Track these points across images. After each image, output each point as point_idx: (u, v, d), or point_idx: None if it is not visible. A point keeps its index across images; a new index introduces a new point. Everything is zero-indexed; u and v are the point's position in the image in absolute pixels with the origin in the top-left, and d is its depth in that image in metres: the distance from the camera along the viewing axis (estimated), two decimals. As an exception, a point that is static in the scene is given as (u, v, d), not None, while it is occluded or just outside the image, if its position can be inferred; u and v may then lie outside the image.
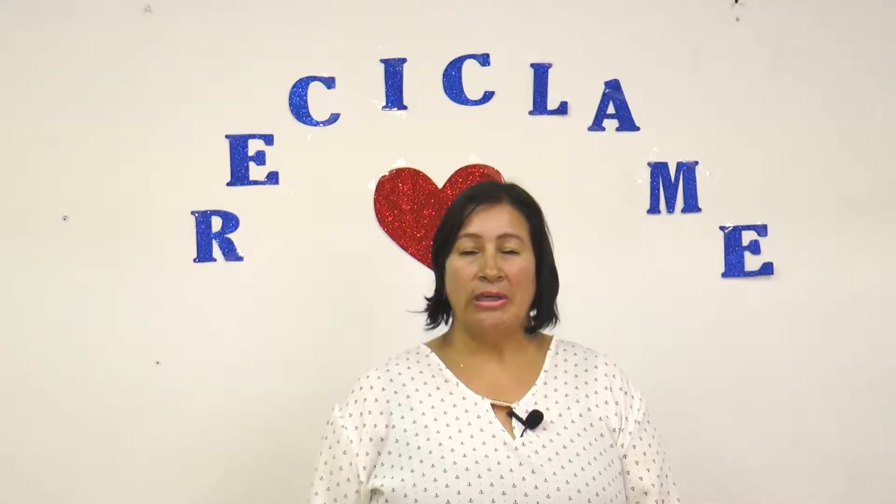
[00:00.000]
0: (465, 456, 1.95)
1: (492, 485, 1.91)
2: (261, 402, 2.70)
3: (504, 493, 1.91)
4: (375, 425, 2.05)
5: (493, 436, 1.99)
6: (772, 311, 2.84)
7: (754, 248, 2.84)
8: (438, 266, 2.17)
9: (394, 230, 2.77)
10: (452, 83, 2.79)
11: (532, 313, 2.17)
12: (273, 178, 2.74)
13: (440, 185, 2.78)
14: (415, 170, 2.78)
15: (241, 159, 2.74)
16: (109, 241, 2.70)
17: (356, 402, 2.10)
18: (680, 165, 2.83)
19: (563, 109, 2.80)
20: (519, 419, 2.02)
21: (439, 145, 2.79)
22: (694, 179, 2.83)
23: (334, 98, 2.77)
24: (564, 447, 1.99)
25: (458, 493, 1.90)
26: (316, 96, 2.76)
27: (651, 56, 2.83)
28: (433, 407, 2.05)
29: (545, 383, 2.10)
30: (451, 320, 2.20)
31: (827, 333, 2.85)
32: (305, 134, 2.76)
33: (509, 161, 2.77)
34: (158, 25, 2.73)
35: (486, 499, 1.90)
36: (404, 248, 2.77)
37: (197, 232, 2.73)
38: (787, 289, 2.84)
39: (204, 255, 2.73)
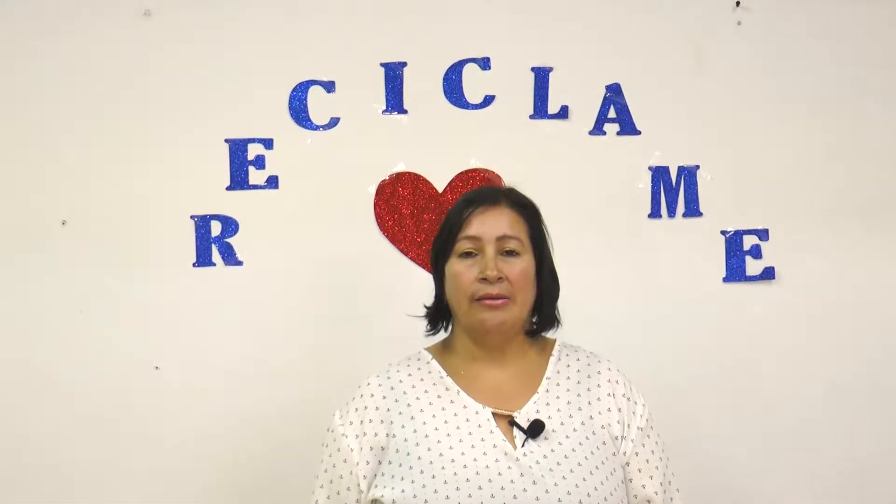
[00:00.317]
0: (465, 467, 1.94)
1: (493, 496, 1.90)
2: (260, 407, 2.70)
3: (505, 504, 1.91)
4: (376, 434, 2.04)
5: (494, 446, 1.98)
6: (773, 315, 2.83)
7: (756, 252, 2.83)
8: (438, 271, 2.16)
9: (394, 234, 2.76)
10: (453, 87, 2.78)
11: (533, 319, 2.16)
12: (273, 182, 2.74)
13: (440, 190, 2.77)
14: (415, 174, 2.77)
15: (241, 163, 2.73)
16: (108, 246, 2.70)
17: (357, 409, 2.09)
18: (681, 169, 2.82)
19: (563, 113, 2.80)
20: (520, 429, 2.00)
21: (440, 149, 2.78)
22: (695, 183, 2.82)
23: (334, 102, 2.76)
24: (566, 457, 1.98)
25: (459, 504, 1.91)
26: (316, 100, 2.75)
27: (652, 60, 2.82)
28: (434, 416, 2.03)
29: (547, 390, 2.09)
30: (450, 326, 2.19)
31: (829, 338, 2.84)
32: (305, 138, 2.75)
33: (510, 165, 2.75)
34: (157, 29, 2.73)
35: (487, 510, 1.90)
36: (404, 252, 2.76)
37: (196, 236, 2.72)
38: (788, 293, 2.83)
39: (203, 259, 2.72)
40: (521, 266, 2.07)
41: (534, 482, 1.92)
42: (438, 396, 2.07)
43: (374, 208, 2.76)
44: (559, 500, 1.91)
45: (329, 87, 2.76)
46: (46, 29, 2.71)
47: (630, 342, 2.72)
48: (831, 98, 2.86)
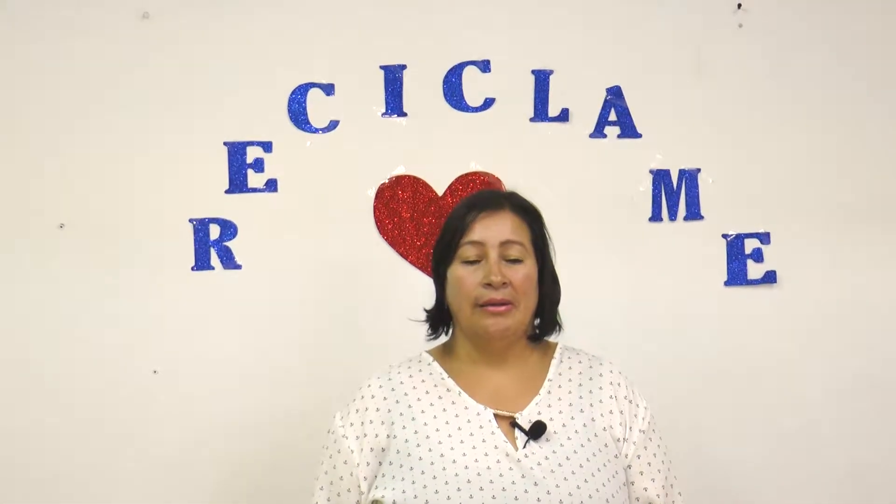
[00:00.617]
0: (466, 468, 1.93)
1: (493, 497, 1.89)
2: (259, 410, 2.69)
3: (505, 506, 1.90)
4: (377, 435, 2.03)
5: (496, 447, 1.97)
6: (775, 319, 2.83)
7: (757, 256, 2.82)
8: (439, 275, 2.15)
9: (393, 238, 2.75)
10: (453, 90, 2.77)
11: (535, 323, 2.16)
12: (272, 185, 2.73)
13: (440, 193, 2.76)
14: (415, 177, 2.77)
15: (240, 167, 2.72)
16: (106, 249, 2.69)
17: (357, 410, 2.08)
18: (682, 173, 2.81)
19: (564, 116, 2.79)
20: (522, 430, 1.99)
21: (439, 152, 2.77)
22: (696, 187, 2.81)
23: (333, 105, 2.75)
24: (567, 458, 1.97)
25: (460, 505, 1.90)
26: (315, 103, 2.75)
27: (653, 62, 2.82)
28: (435, 417, 2.02)
29: (549, 392, 2.08)
30: (451, 330, 2.18)
31: (830, 341, 2.84)
32: (304, 141, 2.75)
33: (510, 168, 2.76)
34: (156, 31, 2.72)
35: (488, 512, 1.89)
36: (404, 256, 2.75)
37: (195, 240, 2.71)
38: (790, 297, 2.83)
39: (202, 263, 2.71)
40: (524, 271, 2.06)
41: (535, 483, 1.91)
42: (440, 398, 2.06)
43: (374, 212, 2.75)
44: (561, 501, 1.90)
45: (328, 89, 2.75)
46: (44, 31, 2.70)
47: (631, 346, 2.72)
48: (833, 100, 2.86)
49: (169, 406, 2.67)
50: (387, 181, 2.76)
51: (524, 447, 1.97)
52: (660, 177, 2.81)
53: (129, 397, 2.67)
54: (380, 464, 2.01)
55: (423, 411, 2.04)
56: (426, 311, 2.20)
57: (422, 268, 2.72)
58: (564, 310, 2.18)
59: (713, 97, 2.83)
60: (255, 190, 2.73)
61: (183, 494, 2.67)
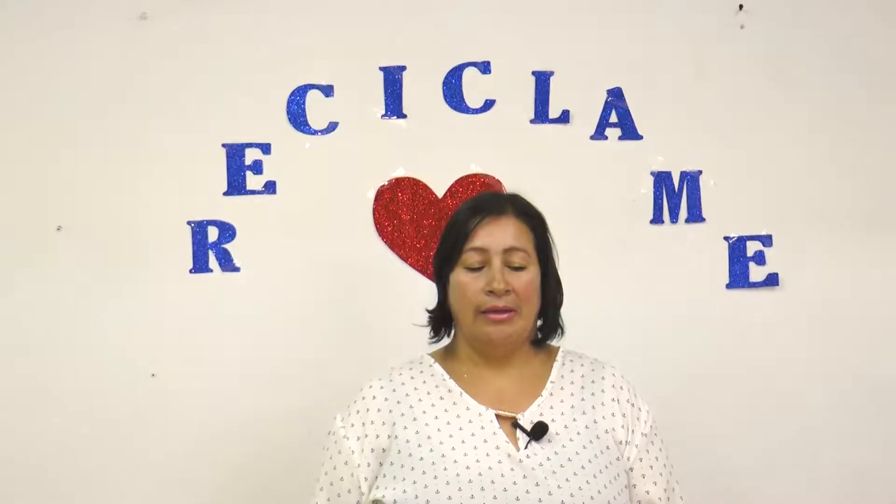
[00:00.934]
0: (467, 468, 1.93)
1: (495, 497, 1.88)
2: (258, 414, 2.67)
3: (507, 506, 1.89)
4: (378, 436, 2.02)
5: (497, 447, 1.96)
6: (777, 322, 2.82)
7: (759, 258, 2.81)
8: (441, 279, 2.14)
9: (393, 240, 2.73)
10: (453, 91, 2.76)
11: (538, 325, 2.15)
12: (270, 187, 2.72)
13: (440, 195, 2.75)
14: (414, 179, 2.75)
15: (238, 168, 2.71)
16: (104, 252, 2.67)
17: (358, 412, 2.07)
18: (683, 175, 2.81)
19: (565, 118, 2.78)
20: (524, 430, 1.99)
21: (439, 154, 2.76)
22: (698, 189, 2.81)
23: (333, 106, 2.74)
24: (569, 459, 1.96)
25: (460, 505, 1.89)
26: (314, 104, 2.73)
27: (654, 64, 2.81)
28: (436, 417, 2.02)
29: (551, 394, 2.08)
30: (453, 332, 2.18)
31: (832, 344, 2.83)
32: (303, 143, 2.73)
33: (510, 170, 2.74)
34: (154, 33, 2.71)
35: (489, 512, 1.89)
36: (404, 258, 2.74)
37: (193, 242, 2.70)
38: (792, 299, 2.83)
39: (200, 265, 2.70)
40: (527, 278, 2.06)
41: (536, 484, 1.91)
42: (441, 398, 2.06)
43: (373, 214, 2.74)
44: (562, 502, 1.89)
45: (328, 91, 2.74)
46: (41, 33, 2.68)
47: (632, 348, 2.70)
48: (835, 102, 2.86)
49: (167, 409, 2.66)
50: (386, 183, 2.75)
51: (526, 448, 1.97)
52: (661, 179, 2.80)
53: (127, 400, 2.65)
54: (380, 464, 2.00)
55: (424, 412, 2.03)
56: (428, 311, 2.19)
57: (421, 270, 2.71)
58: (566, 312, 2.18)
59: (715, 99, 2.82)
60: (253, 192, 2.71)
61: (182, 497, 2.65)
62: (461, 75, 2.76)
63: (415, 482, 1.93)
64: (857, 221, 2.85)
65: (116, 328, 2.67)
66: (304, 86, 2.73)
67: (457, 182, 2.76)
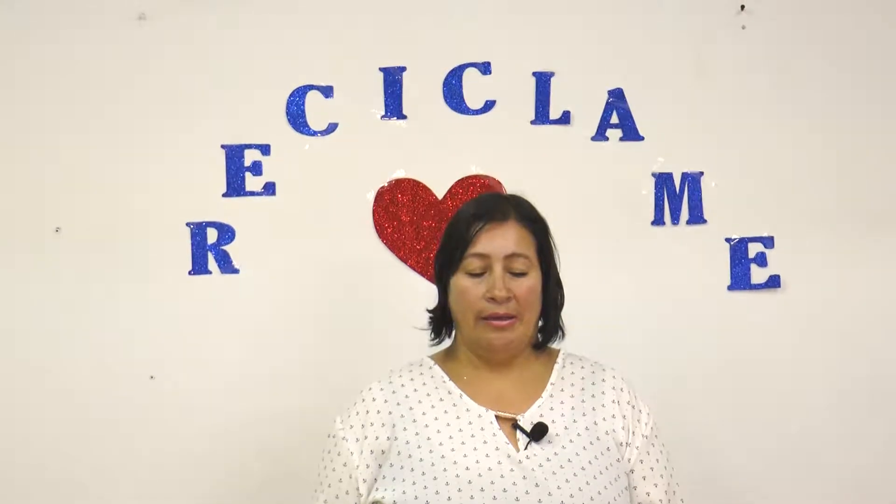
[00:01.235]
0: (467, 469, 1.92)
1: (494, 498, 1.88)
2: (257, 416, 2.66)
3: (507, 507, 1.89)
4: (377, 437, 2.02)
5: (497, 448, 1.96)
6: (778, 324, 2.80)
7: (761, 260, 2.80)
8: (442, 281, 2.14)
9: (393, 242, 2.72)
10: (453, 92, 2.75)
11: (539, 326, 2.15)
12: (270, 188, 2.71)
13: (440, 196, 2.74)
14: (414, 180, 2.74)
15: (238, 170, 2.70)
16: (103, 253, 2.66)
17: (358, 413, 2.07)
18: (685, 176, 2.79)
19: (565, 119, 2.77)
20: (524, 431, 1.99)
21: (439, 155, 2.75)
22: (699, 190, 2.79)
23: (332, 107, 2.73)
24: (569, 460, 1.96)
25: (460, 506, 1.89)
26: (314, 105, 2.72)
27: (655, 64, 2.80)
28: (436, 419, 2.02)
29: (551, 396, 2.08)
30: (454, 334, 2.17)
31: (834, 346, 2.82)
32: (303, 144, 2.72)
33: (511, 171, 2.73)
34: (153, 33, 2.69)
35: (489, 513, 1.88)
36: (403, 260, 2.73)
37: (192, 244, 2.69)
38: (793, 301, 2.81)
39: (199, 267, 2.69)
40: (529, 284, 2.06)
41: (536, 485, 1.91)
42: (441, 400, 2.06)
43: (373, 215, 2.73)
44: (562, 503, 1.89)
45: (327, 91, 2.73)
46: (39, 33, 2.67)
47: (633, 350, 2.69)
48: (836, 103, 2.84)
49: (166, 411, 2.65)
50: (386, 184, 2.74)
51: (526, 449, 1.96)
52: (662, 180, 2.79)
53: (126, 402, 2.64)
54: (379, 466, 2.00)
55: (424, 413, 2.03)
56: (429, 311, 2.19)
57: (421, 271, 2.70)
58: (566, 314, 2.17)
59: (716, 100, 2.80)
60: (252, 193, 2.70)
61: (182, 499, 2.64)
62: (461, 76, 2.75)
63: (415, 483, 1.92)
64: (859, 223, 2.83)
65: (115, 330, 2.66)
66: (304, 86, 2.72)
67: (457, 183, 2.75)
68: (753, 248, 2.80)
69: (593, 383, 2.12)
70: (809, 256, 2.81)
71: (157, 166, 2.68)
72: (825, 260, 2.82)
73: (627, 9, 2.79)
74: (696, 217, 2.79)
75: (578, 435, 2.01)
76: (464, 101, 2.75)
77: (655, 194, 2.79)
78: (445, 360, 2.15)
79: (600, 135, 2.78)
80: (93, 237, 2.66)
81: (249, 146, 2.70)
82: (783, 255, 2.80)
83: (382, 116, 2.74)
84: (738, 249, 2.80)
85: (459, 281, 2.07)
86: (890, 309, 2.83)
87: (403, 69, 2.74)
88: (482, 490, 1.89)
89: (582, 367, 2.15)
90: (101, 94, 2.67)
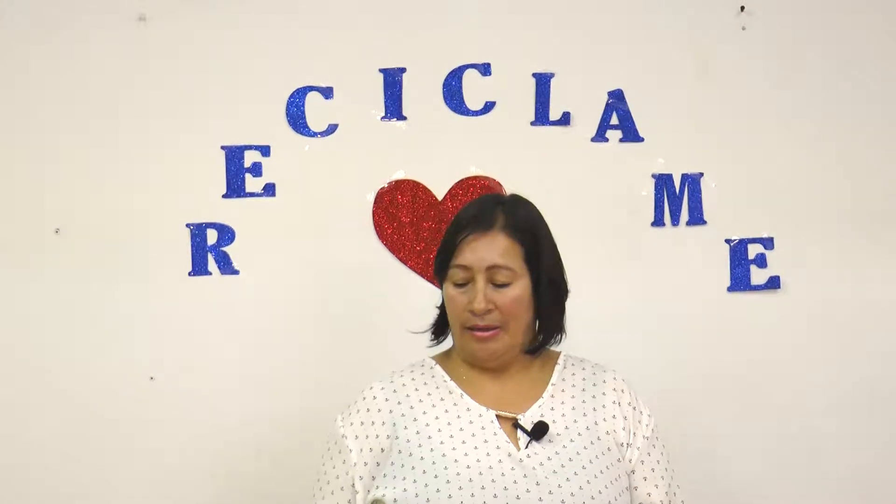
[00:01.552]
0: (468, 467, 1.92)
1: (495, 496, 1.88)
2: (258, 417, 2.66)
3: (507, 505, 1.89)
4: (377, 436, 2.02)
5: (498, 447, 1.96)
6: (778, 324, 2.80)
7: (761, 261, 2.80)
8: (441, 285, 2.14)
9: (393, 243, 2.72)
10: (453, 93, 2.75)
11: (538, 334, 2.14)
12: (270, 189, 2.70)
13: (440, 197, 2.74)
14: (414, 181, 2.74)
15: (238, 171, 2.70)
16: (102, 254, 2.66)
17: (359, 411, 2.08)
18: (685, 177, 2.79)
19: (565, 120, 2.77)
20: (524, 430, 1.99)
21: (439, 156, 2.75)
22: (699, 191, 2.79)
23: (332, 108, 2.73)
24: (570, 459, 1.96)
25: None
26: (314, 106, 2.72)
27: (655, 65, 2.80)
28: (437, 418, 2.02)
29: (552, 396, 2.08)
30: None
31: (835, 348, 2.82)
32: (303, 145, 2.72)
33: (510, 172, 2.73)
34: (153, 35, 2.69)
35: (489, 510, 1.89)
36: (403, 261, 2.73)
37: (192, 245, 2.68)
38: (793, 303, 2.81)
39: (199, 268, 2.68)
40: (513, 294, 2.04)
41: (537, 483, 1.90)
42: (442, 399, 2.06)
43: (373, 216, 2.73)
44: (563, 501, 1.89)
45: (327, 93, 2.73)
46: (40, 34, 2.67)
47: (633, 352, 2.70)
48: (836, 104, 2.84)
49: (166, 412, 2.64)
50: (386, 185, 2.73)
51: (526, 448, 1.97)
52: (662, 181, 2.79)
53: (125, 404, 2.64)
54: (377, 465, 2.00)
55: (425, 412, 2.03)
56: (437, 307, 2.18)
57: (421, 273, 2.70)
58: (566, 315, 2.16)
59: (716, 100, 2.80)
60: (252, 194, 2.70)
61: (181, 500, 2.64)
62: (461, 77, 2.75)
63: (415, 481, 1.92)
64: (859, 224, 2.83)
65: (115, 331, 2.65)
66: (304, 87, 2.72)
67: (457, 184, 2.75)
68: (753, 250, 2.80)
69: (594, 384, 2.12)
70: (809, 257, 2.81)
71: (157, 167, 2.67)
72: (825, 261, 2.81)
73: (627, 9, 2.79)
74: (696, 218, 2.79)
75: (579, 434, 2.01)
76: (464, 102, 2.75)
77: (655, 195, 2.79)
78: (446, 360, 2.15)
79: (600, 136, 2.78)
80: (93, 238, 2.66)
81: (249, 147, 2.70)
82: (783, 257, 2.80)
83: (382, 117, 2.74)
84: (738, 250, 2.80)
85: (448, 289, 2.08)
86: (890, 309, 2.83)
87: (403, 70, 2.74)
88: (483, 488, 1.89)
89: (583, 369, 2.15)
90: (101, 94, 2.67)
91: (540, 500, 1.88)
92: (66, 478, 2.63)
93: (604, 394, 2.10)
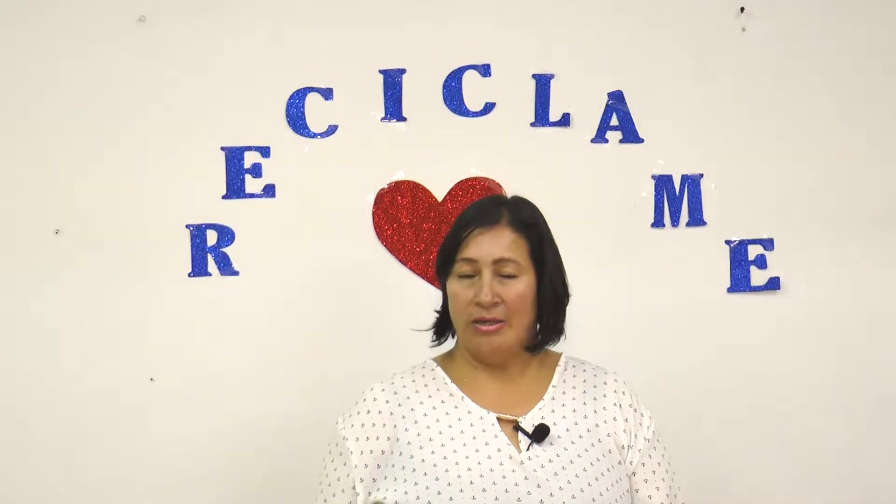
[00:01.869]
0: (469, 469, 1.93)
1: (496, 499, 1.88)
2: (257, 418, 2.66)
3: (509, 508, 1.89)
4: (378, 438, 2.02)
5: (499, 449, 1.96)
6: (778, 326, 2.80)
7: (760, 262, 2.80)
8: (442, 284, 2.15)
9: (393, 244, 2.72)
10: (453, 94, 2.75)
11: (538, 333, 2.14)
12: (270, 190, 2.70)
13: (440, 199, 2.74)
14: (414, 182, 2.74)
15: (237, 172, 2.70)
16: (102, 255, 2.66)
17: (359, 413, 2.08)
18: (685, 178, 2.79)
19: (565, 121, 2.76)
20: (525, 433, 1.99)
21: (439, 157, 2.75)
22: (699, 192, 2.79)
23: (332, 109, 2.72)
24: (571, 462, 1.97)
25: (462, 506, 1.89)
26: (314, 107, 2.72)
27: (655, 66, 2.79)
28: (438, 420, 2.02)
29: (553, 398, 2.08)
30: (455, 336, 2.18)
31: (834, 348, 2.81)
32: (303, 146, 2.72)
33: (511, 173, 2.73)
34: (153, 35, 2.69)
35: (491, 513, 1.89)
36: (403, 262, 2.73)
37: (192, 246, 2.68)
38: (793, 304, 2.80)
39: (199, 269, 2.68)
40: (518, 289, 2.05)
41: (538, 485, 1.91)
42: (442, 401, 2.06)
43: (373, 217, 2.72)
44: (564, 503, 1.89)
45: (327, 94, 2.72)
46: (40, 35, 2.67)
47: (632, 353, 2.69)
48: (837, 105, 2.83)
49: (166, 413, 2.64)
50: (386, 187, 2.73)
51: (528, 450, 1.97)
52: (662, 182, 2.79)
53: (124, 405, 2.64)
54: (378, 467, 2.00)
55: (425, 414, 2.04)
56: (437, 311, 2.19)
57: (421, 274, 2.70)
58: (566, 316, 2.16)
59: (716, 101, 2.80)
60: (252, 195, 2.70)
61: (181, 500, 2.64)
62: (461, 78, 2.75)
63: (416, 483, 1.93)
64: (859, 225, 2.82)
65: (115, 332, 2.65)
66: (304, 88, 2.72)
67: (457, 185, 2.74)
68: (753, 251, 2.80)
69: (595, 386, 2.12)
70: (809, 258, 2.80)
71: (156, 168, 2.67)
72: (825, 262, 2.81)
73: (627, 10, 2.79)
74: (696, 219, 2.79)
75: (580, 437, 2.02)
76: (464, 103, 2.75)
77: (655, 196, 2.78)
78: (447, 361, 2.15)
79: (600, 137, 2.78)
80: (92, 239, 2.65)
81: (249, 148, 2.70)
82: (783, 258, 2.80)
83: (382, 118, 2.74)
84: (738, 251, 2.79)
85: (452, 285, 2.08)
86: (890, 310, 2.82)
87: (403, 71, 2.73)
88: (484, 490, 1.89)
89: (584, 371, 2.15)
90: (101, 96, 2.66)
91: (541, 502, 1.88)
92: (66, 478, 2.62)
93: (605, 396, 2.11)
